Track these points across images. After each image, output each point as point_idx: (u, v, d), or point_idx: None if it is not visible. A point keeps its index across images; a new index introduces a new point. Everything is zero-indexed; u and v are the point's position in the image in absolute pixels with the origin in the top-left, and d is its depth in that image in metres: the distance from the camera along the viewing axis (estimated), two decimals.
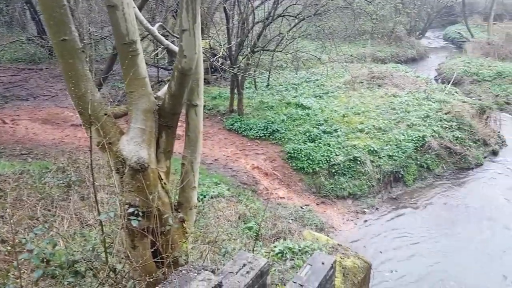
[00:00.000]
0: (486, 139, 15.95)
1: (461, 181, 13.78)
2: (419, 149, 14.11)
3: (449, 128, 15.36)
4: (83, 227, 6.52)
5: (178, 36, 4.79)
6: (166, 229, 4.22)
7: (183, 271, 3.77)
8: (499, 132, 17.19)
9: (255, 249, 7.57)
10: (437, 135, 14.78)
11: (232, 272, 3.97)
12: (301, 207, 11.69)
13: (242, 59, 13.98)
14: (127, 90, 4.19)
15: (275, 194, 12.47)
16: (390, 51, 30.87)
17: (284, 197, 12.40)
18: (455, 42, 39.21)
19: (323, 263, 5.34)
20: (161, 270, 4.09)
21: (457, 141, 15.05)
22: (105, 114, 4.05)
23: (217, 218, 8.75)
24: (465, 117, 16.01)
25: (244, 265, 4.05)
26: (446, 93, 18.40)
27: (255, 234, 7.27)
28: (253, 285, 3.89)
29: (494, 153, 15.81)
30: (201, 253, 6.34)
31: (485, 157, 15.32)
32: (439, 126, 15.27)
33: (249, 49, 13.98)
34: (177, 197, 4.89)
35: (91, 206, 6.91)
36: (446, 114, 16.11)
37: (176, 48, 4.60)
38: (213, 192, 9.98)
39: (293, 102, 16.78)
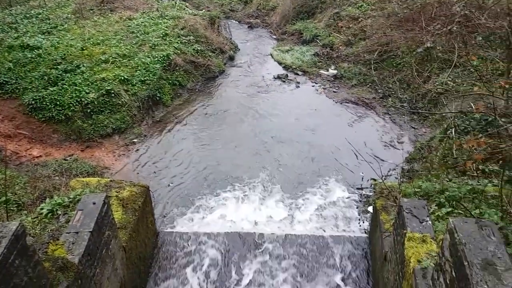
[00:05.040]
0: (222, 47, 17.77)
1: (211, 89, 15.23)
2: (167, 68, 14.45)
3: (188, 43, 16.20)
4: None
5: None
6: None
7: None
8: (231, 38, 19.42)
9: (20, 219, 6.58)
10: (179, 51, 15.37)
11: None
12: (65, 159, 10.62)
13: None
14: None
15: (29, 156, 10.79)
16: None
17: (41, 155, 10.89)
18: None
19: (94, 203, 5.06)
20: None
21: (198, 54, 16.13)
22: None
23: None
24: (199, 30, 17.14)
25: None
26: (177, 9, 19.02)
27: (4, 204, 6.17)
28: (10, 252, 3.32)
29: (231, 58, 17.92)
30: None
31: (225, 64, 17.18)
32: (179, 42, 15.87)
33: None
34: None
35: None
36: (182, 29, 16.78)
37: None
38: None
39: (17, 44, 13.84)
